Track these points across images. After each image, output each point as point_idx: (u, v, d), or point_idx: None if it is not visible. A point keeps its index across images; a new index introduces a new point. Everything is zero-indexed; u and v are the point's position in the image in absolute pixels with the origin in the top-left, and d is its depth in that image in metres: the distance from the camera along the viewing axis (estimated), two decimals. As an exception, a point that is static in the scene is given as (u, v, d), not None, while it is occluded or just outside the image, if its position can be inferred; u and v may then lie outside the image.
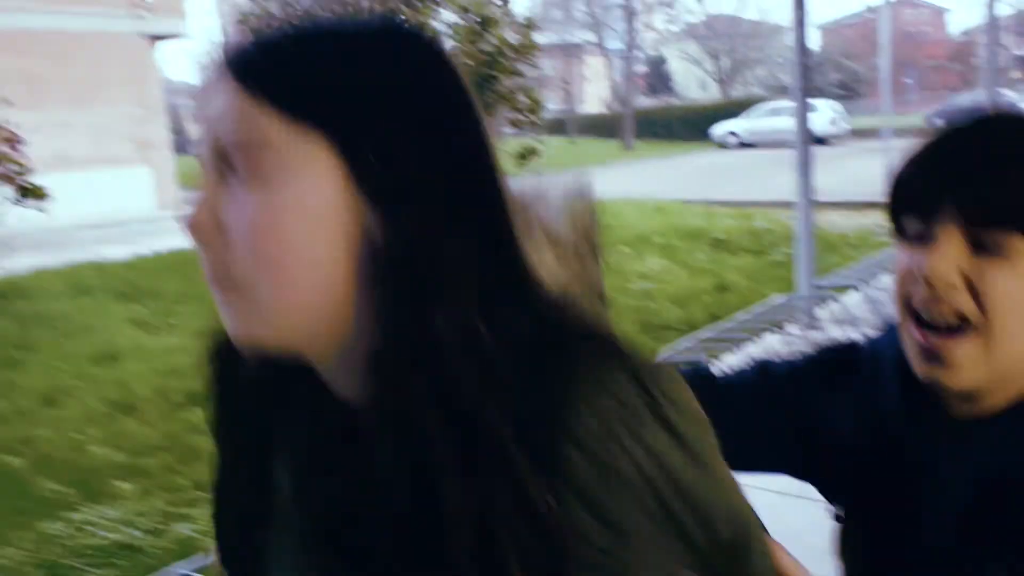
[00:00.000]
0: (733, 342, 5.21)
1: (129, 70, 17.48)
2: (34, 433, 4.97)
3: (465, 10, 10.38)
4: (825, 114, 26.26)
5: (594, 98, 61.60)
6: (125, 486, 4.27)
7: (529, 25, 10.90)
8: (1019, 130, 0.88)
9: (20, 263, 9.30)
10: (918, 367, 0.87)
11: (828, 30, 58.58)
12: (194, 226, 0.64)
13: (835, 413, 0.98)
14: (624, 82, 38.16)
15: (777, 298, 6.51)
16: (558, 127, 47.93)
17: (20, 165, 6.88)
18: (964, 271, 0.83)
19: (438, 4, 10.69)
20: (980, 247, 0.83)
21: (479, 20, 10.33)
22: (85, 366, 6.15)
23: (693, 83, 64.20)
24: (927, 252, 0.85)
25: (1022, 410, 0.86)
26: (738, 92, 51.04)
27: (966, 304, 0.83)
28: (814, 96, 18.51)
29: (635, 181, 18.76)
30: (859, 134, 26.48)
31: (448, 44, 10.49)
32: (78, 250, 11.96)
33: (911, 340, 0.87)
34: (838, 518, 1.00)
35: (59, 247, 12.38)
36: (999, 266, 0.82)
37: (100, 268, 9.93)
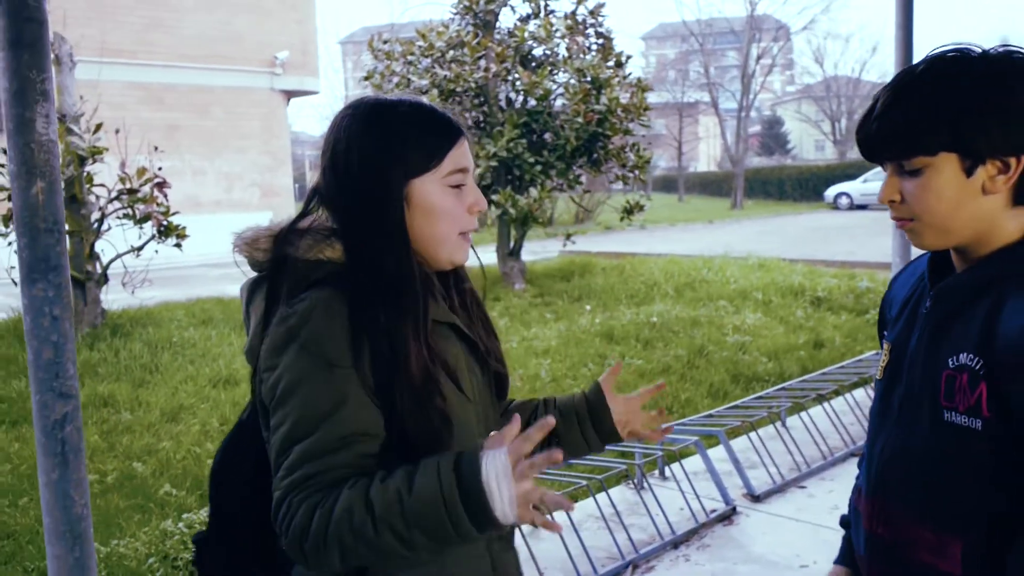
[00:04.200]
0: (819, 394, 5.25)
1: (261, 123, 18.67)
2: (158, 444, 5.45)
3: (580, 72, 10.75)
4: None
5: (707, 157, 61.45)
6: (234, 494, 4.66)
7: (641, 87, 11.15)
8: (918, 83, 1.31)
9: (152, 295, 10.07)
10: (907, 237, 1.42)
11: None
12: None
13: (897, 281, 1.58)
14: (736, 142, 37.99)
15: (870, 355, 6.50)
16: (669, 184, 48.05)
17: (164, 207, 7.55)
18: (899, 190, 1.34)
19: (554, 67, 11.11)
20: (904, 171, 1.33)
21: (591, 82, 10.68)
22: (205, 388, 6.67)
23: (809, 144, 63.30)
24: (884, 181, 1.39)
25: (974, 265, 1.34)
26: (855, 154, 50.06)
27: (904, 211, 1.35)
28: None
29: (740, 239, 18.71)
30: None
31: (559, 103, 10.94)
32: (202, 286, 12.83)
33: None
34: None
35: (185, 282, 13.30)
36: (916, 181, 1.31)
37: (221, 302, 10.64)
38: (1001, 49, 1.30)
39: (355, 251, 1.30)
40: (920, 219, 1.33)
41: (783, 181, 39.10)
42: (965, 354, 1.28)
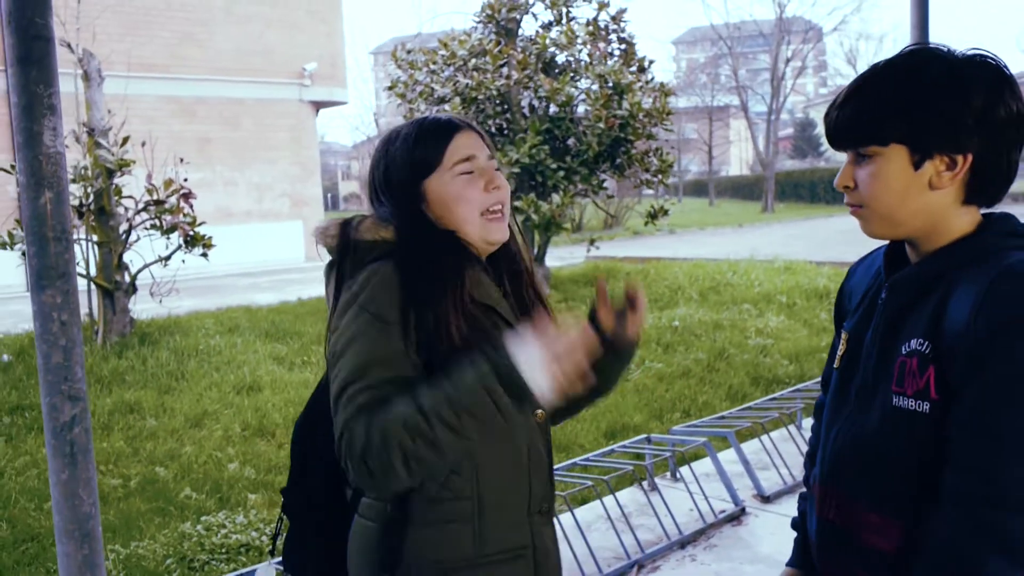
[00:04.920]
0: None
1: (290, 134, 18.90)
2: (181, 450, 5.57)
3: (602, 78, 10.77)
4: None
5: (739, 160, 61.08)
6: (253, 497, 4.76)
7: (664, 91, 11.13)
8: (881, 76, 1.35)
9: (182, 304, 10.26)
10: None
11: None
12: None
13: (856, 272, 1.60)
14: (767, 145, 37.72)
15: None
16: (701, 189, 47.80)
17: (190, 217, 7.70)
18: (853, 177, 1.38)
19: (576, 73, 11.13)
20: (859, 160, 1.37)
21: (613, 87, 10.70)
22: (229, 395, 6.79)
23: (842, 146, 62.59)
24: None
25: (926, 258, 1.37)
26: (889, 155, 49.43)
27: (855, 198, 1.39)
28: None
29: (768, 243, 18.59)
30: (1015, 198, 25.23)
31: (581, 109, 10.96)
32: (232, 295, 13.04)
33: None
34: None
35: (215, 291, 13.51)
36: (867, 168, 1.36)
37: (249, 311, 10.80)
38: (970, 52, 1.33)
39: (399, 239, 1.53)
40: (869, 206, 1.37)
41: (815, 184, 38.78)
42: (916, 340, 1.31)
